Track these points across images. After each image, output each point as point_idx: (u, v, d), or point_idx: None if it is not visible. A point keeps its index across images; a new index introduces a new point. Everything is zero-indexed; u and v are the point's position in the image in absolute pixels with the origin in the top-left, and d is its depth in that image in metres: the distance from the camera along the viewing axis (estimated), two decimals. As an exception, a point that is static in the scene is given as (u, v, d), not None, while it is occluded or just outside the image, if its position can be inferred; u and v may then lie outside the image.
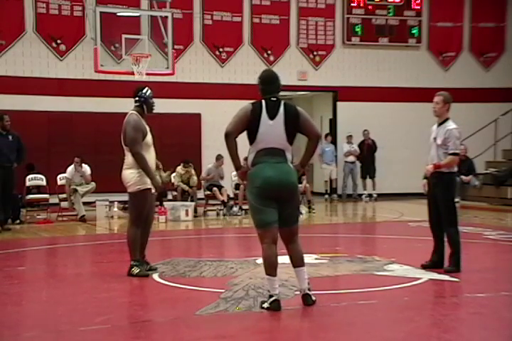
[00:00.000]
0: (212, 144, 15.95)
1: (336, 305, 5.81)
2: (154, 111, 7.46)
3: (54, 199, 13.86)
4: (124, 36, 13.85)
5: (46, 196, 13.91)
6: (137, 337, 5.03)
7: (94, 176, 13.73)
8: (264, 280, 5.71)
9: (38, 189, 14.19)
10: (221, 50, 17.57)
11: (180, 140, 16.48)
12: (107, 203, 13.91)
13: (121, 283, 6.87)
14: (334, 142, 18.22)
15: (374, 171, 17.80)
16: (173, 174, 14.31)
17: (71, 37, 16.19)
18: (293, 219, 5.65)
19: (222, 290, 6.25)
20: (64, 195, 13.66)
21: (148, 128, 7.26)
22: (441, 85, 16.86)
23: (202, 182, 14.57)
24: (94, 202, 14.04)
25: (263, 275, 5.65)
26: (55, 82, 16.06)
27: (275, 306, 5.49)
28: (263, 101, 5.59)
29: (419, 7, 18.85)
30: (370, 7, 18.51)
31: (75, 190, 13.36)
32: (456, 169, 7.40)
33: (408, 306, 5.79)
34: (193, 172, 14.44)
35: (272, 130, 5.52)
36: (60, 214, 13.64)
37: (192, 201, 14.14)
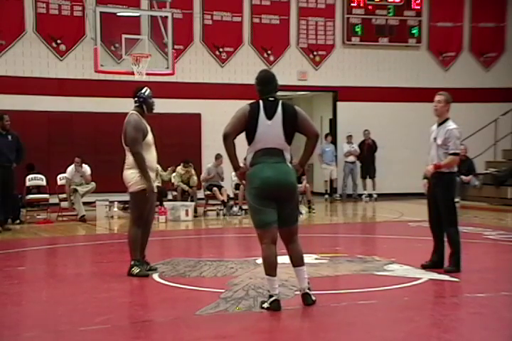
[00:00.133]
0: (212, 144, 15.93)
1: (336, 305, 5.81)
2: (154, 111, 7.47)
3: (54, 199, 13.86)
4: (124, 36, 13.86)
5: (46, 196, 13.91)
6: (137, 337, 5.03)
7: (94, 176, 13.73)
8: (264, 280, 5.71)
9: (38, 189, 14.19)
10: (221, 50, 17.57)
11: (180, 140, 16.49)
12: (107, 203, 13.91)
13: (121, 283, 6.87)
14: (334, 142, 18.22)
15: (374, 171, 17.80)
16: (173, 174, 14.30)
17: (71, 37, 16.19)
18: (292, 219, 5.65)
19: (222, 290, 6.25)
20: (64, 195, 13.66)
21: (149, 128, 7.27)
22: (441, 85, 16.87)
23: (202, 183, 14.56)
24: (94, 202, 14.04)
25: (263, 275, 5.65)
26: (55, 82, 16.07)
27: (275, 306, 5.49)
28: (261, 102, 5.59)
29: (419, 7, 18.85)
30: (370, 7, 18.51)
31: (75, 190, 13.36)
32: (456, 169, 7.40)
33: (408, 306, 5.79)
34: (193, 172, 14.44)
35: (270, 130, 5.52)
36: (60, 214, 13.64)
37: (192, 201, 14.14)
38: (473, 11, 19.32)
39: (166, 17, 14.26)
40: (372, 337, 4.91)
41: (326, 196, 17.90)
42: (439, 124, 7.35)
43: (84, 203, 13.56)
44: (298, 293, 5.81)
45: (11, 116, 12.26)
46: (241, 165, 5.70)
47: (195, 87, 17.15)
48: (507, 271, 7.61)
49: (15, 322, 5.51)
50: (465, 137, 14.13)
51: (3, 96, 15.36)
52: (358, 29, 18.52)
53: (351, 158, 17.82)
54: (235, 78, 17.43)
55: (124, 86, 13.81)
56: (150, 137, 7.23)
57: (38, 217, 13.73)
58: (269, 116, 5.53)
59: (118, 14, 14.66)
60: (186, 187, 14.24)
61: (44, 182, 14.02)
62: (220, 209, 14.31)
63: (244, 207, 13.24)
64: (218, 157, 13.96)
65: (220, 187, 14.23)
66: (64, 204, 13.71)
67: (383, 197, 17.63)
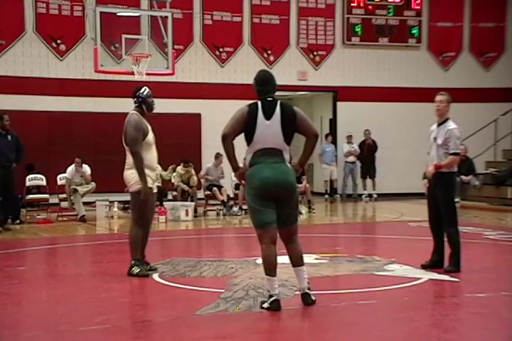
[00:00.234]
0: (212, 144, 15.90)
1: (336, 305, 5.81)
2: (154, 111, 7.47)
3: (54, 199, 13.86)
4: (124, 36, 13.86)
5: (46, 196, 13.91)
6: (137, 337, 5.03)
7: (94, 176, 13.73)
8: (264, 280, 5.71)
9: (38, 189, 14.19)
10: (221, 50, 17.57)
11: (180, 140, 16.48)
12: (107, 203, 13.91)
13: (121, 283, 6.87)
14: (334, 142, 18.22)
15: (374, 171, 17.80)
16: (174, 174, 14.30)
17: (71, 37, 16.19)
18: (292, 219, 5.65)
19: (222, 290, 6.25)
20: (64, 195, 13.65)
21: (149, 128, 7.28)
22: (441, 85, 16.88)
23: (202, 181, 14.57)
24: (94, 202, 14.04)
25: (263, 275, 5.65)
26: (55, 82, 16.07)
27: (275, 306, 5.49)
28: (259, 102, 5.59)
29: (419, 7, 18.85)
30: (370, 7, 18.51)
31: (75, 190, 13.36)
32: (456, 169, 7.40)
33: (408, 306, 5.79)
34: (193, 172, 14.44)
35: (269, 130, 5.52)
36: (60, 214, 13.64)
37: (192, 201, 14.14)
38: (473, 11, 19.32)
39: (166, 17, 14.26)
40: (372, 337, 4.91)
41: (326, 196, 17.90)
42: (439, 124, 7.35)
43: (84, 203, 13.56)
44: (298, 293, 5.81)
45: (10, 116, 12.26)
46: (240, 165, 5.70)
47: (195, 87, 17.15)
48: (507, 271, 7.61)
49: (15, 322, 5.51)
50: (465, 137, 14.14)
51: (3, 96, 15.36)
52: (358, 29, 18.52)
53: (351, 158, 17.82)
54: (235, 78, 17.43)
55: (124, 86, 13.80)
56: (151, 137, 7.23)
57: (38, 217, 13.73)
58: (268, 116, 5.53)
59: (118, 14, 14.66)
60: (186, 187, 14.24)
61: (44, 182, 14.02)
62: (220, 209, 14.31)
63: (244, 207, 13.24)
64: (218, 156, 13.96)
65: (220, 187, 14.24)
66: (64, 204, 13.71)
67: (383, 197, 17.63)
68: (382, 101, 18.62)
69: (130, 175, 7.15)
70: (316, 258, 8.03)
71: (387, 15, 18.63)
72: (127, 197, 7.54)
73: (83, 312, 5.67)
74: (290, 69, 18.07)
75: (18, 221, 12.81)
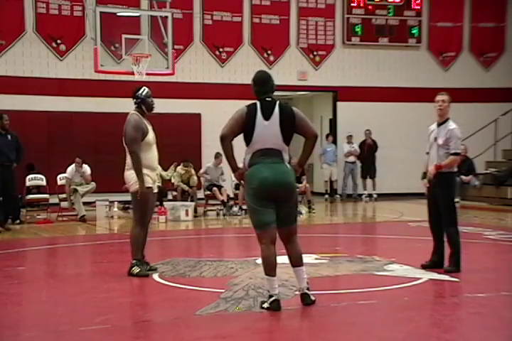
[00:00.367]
0: (212, 144, 15.87)
1: (336, 305, 5.81)
2: (154, 111, 7.47)
3: (54, 199, 13.86)
4: (124, 36, 13.86)
5: (46, 196, 13.91)
6: (137, 337, 5.03)
7: (94, 176, 13.73)
8: (264, 280, 5.71)
9: (38, 189, 14.19)
10: (221, 50, 17.57)
11: (180, 140, 16.47)
12: (107, 203, 13.91)
13: (121, 283, 6.87)
14: (334, 142, 18.21)
15: (374, 171, 17.80)
16: (174, 174, 14.30)
17: (71, 37, 16.19)
18: (291, 219, 5.65)
19: (222, 290, 6.25)
20: (64, 195, 13.65)
21: (150, 128, 7.28)
22: (441, 85, 16.89)
23: (202, 180, 14.57)
24: (94, 202, 14.04)
25: (263, 275, 5.65)
26: (55, 82, 16.07)
27: (275, 306, 5.49)
28: (258, 103, 5.60)
29: (419, 7, 18.85)
30: (370, 7, 18.51)
31: (75, 190, 13.36)
32: (456, 169, 7.40)
33: (408, 306, 5.79)
34: (193, 172, 14.44)
35: (268, 130, 5.52)
36: (60, 214, 13.63)
37: (192, 201, 14.14)
38: (473, 11, 19.32)
39: (166, 17, 14.26)
40: (372, 337, 4.91)
41: (326, 196, 17.90)
42: (440, 124, 7.35)
43: (84, 203, 13.56)
44: (298, 293, 5.81)
45: (10, 116, 12.27)
46: (240, 165, 5.70)
47: (195, 87, 17.15)
48: (507, 271, 7.61)
49: (15, 322, 5.51)
50: (465, 137, 14.11)
51: (3, 96, 15.36)
52: (358, 29, 18.52)
53: (351, 158, 17.83)
54: (235, 78, 17.43)
55: (124, 86, 13.80)
56: (151, 137, 7.24)
57: (38, 217, 13.73)
58: (267, 116, 5.53)
59: (118, 14, 14.66)
60: (186, 187, 14.25)
61: (44, 182, 14.02)
62: (220, 209, 14.31)
63: (244, 207, 13.23)
64: (218, 156, 13.95)
65: (220, 187, 14.24)
66: (64, 204, 13.71)
67: (383, 197, 17.63)
68: (382, 101, 18.62)
69: (130, 175, 7.16)
70: (316, 258, 8.04)
71: (387, 15, 18.63)
72: (127, 197, 7.55)
73: (83, 312, 5.67)
74: (290, 69, 18.07)
75: (18, 221, 12.80)
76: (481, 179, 16.33)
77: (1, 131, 11.97)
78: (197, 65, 17.41)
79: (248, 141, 5.58)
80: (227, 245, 11.09)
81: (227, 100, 16.22)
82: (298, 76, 18.28)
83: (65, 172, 13.67)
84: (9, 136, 12.03)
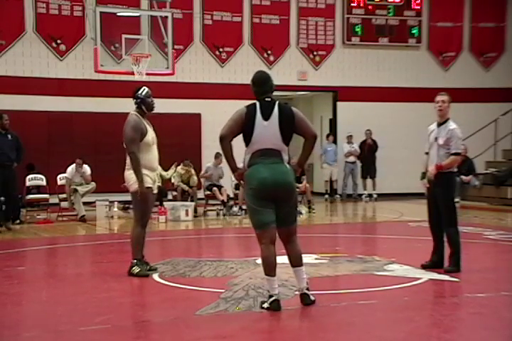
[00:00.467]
0: (212, 144, 15.87)
1: (336, 305, 5.81)
2: (154, 111, 7.47)
3: (54, 199, 13.86)
4: (124, 36, 13.86)
5: (46, 196, 13.90)
6: (137, 337, 5.03)
7: (94, 176, 13.73)
8: (264, 280, 5.71)
9: (38, 189, 14.19)
10: (221, 50, 17.57)
11: (180, 140, 16.47)
12: (107, 203, 13.91)
13: (121, 283, 6.87)
14: (334, 142, 18.21)
15: (375, 171, 17.80)
16: (174, 174, 14.30)
17: (71, 37, 16.20)
18: (291, 219, 5.65)
19: (222, 290, 6.25)
20: (64, 195, 13.65)
21: (150, 128, 7.29)
22: (441, 85, 16.89)
23: (202, 180, 14.57)
24: (94, 202, 14.04)
25: (263, 275, 5.64)
26: (55, 82, 16.07)
27: (275, 306, 5.49)
28: (257, 103, 5.60)
29: (419, 7, 18.85)
30: (370, 7, 18.52)
31: (76, 190, 13.36)
32: (456, 169, 7.40)
33: (408, 306, 5.79)
34: (193, 172, 14.44)
35: (267, 131, 5.52)
36: (60, 214, 13.63)
37: (192, 201, 14.14)
38: (473, 11, 19.32)
39: (166, 17, 14.27)
40: (372, 337, 4.91)
41: (326, 196, 17.90)
42: (440, 124, 7.34)
43: (84, 203, 13.56)
44: (298, 293, 5.81)
45: (11, 116, 12.27)
46: (240, 166, 5.70)
47: (195, 87, 17.15)
48: (507, 271, 7.61)
49: (15, 322, 5.51)
50: (465, 137, 14.08)
51: (3, 96, 15.36)
52: (358, 29, 18.52)
53: (351, 158, 17.83)
54: (235, 78, 17.43)
55: (124, 86, 13.80)
56: (150, 137, 7.23)
57: (38, 217, 13.73)
58: (266, 116, 5.53)
59: (118, 14, 14.67)
60: (186, 187, 14.25)
61: (44, 182, 14.02)
62: (220, 209, 14.31)
63: (244, 207, 13.23)
64: (218, 156, 13.95)
65: (220, 187, 14.23)
66: (64, 204, 13.71)
67: (383, 197, 17.63)
68: (382, 101, 18.62)
69: (130, 175, 7.17)
70: (316, 258, 8.03)
71: (387, 15, 18.64)
72: (127, 197, 7.55)
73: (83, 312, 5.66)
74: (290, 69, 18.08)
75: (18, 221, 12.80)
76: (481, 179, 16.33)
77: (1, 130, 11.96)
78: (197, 65, 17.41)
79: (247, 141, 5.58)
80: (227, 245, 11.09)
81: (227, 100, 16.22)
82: (298, 76, 18.28)
83: (65, 172, 13.67)
84: (9, 136, 12.03)
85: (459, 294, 6.50)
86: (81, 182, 13.56)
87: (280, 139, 5.55)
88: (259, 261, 6.74)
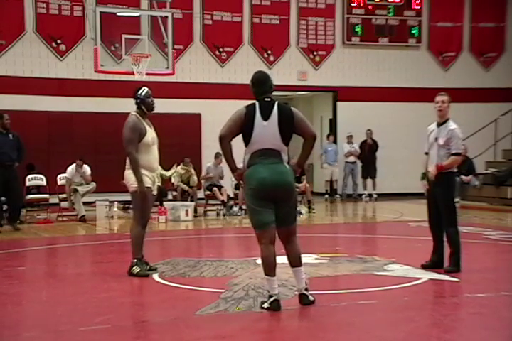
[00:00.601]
0: (212, 144, 15.78)
1: (336, 305, 5.81)
2: (154, 111, 7.47)
3: (54, 199, 13.85)
4: (124, 36, 13.87)
5: (46, 196, 13.90)
6: (137, 337, 5.03)
7: (94, 176, 13.72)
8: (264, 280, 5.71)
9: (38, 189, 14.17)
10: (221, 50, 17.57)
11: (180, 140, 16.46)
12: (107, 203, 13.92)
13: (121, 283, 6.87)
14: (335, 142, 18.20)
15: (375, 171, 17.79)
16: (174, 174, 14.29)
17: (71, 37, 16.20)
18: (290, 219, 5.65)
19: (222, 290, 6.25)
20: (64, 195, 13.65)
21: (150, 129, 7.29)
22: (441, 85, 16.89)
23: (202, 181, 14.57)
24: (94, 202, 14.04)
25: (263, 275, 5.64)
26: (55, 82, 16.07)
27: (275, 306, 5.49)
28: (257, 103, 5.59)
29: (419, 7, 18.86)
30: (370, 7, 18.52)
31: (76, 190, 13.36)
32: (456, 169, 7.39)
33: (408, 306, 5.79)
34: (192, 171, 14.44)
35: (266, 131, 5.52)
36: (60, 214, 13.63)
37: (192, 201, 14.14)
38: (473, 11, 19.32)
39: (166, 17, 14.27)
40: (372, 337, 4.91)
41: (326, 196, 17.89)
42: (440, 124, 7.34)
43: (84, 203, 13.56)
44: (297, 293, 5.81)
45: (11, 116, 12.25)
46: (239, 166, 5.70)
47: (195, 87, 17.15)
48: (507, 271, 7.61)
49: (15, 322, 5.50)
50: (465, 137, 14.08)
51: (3, 96, 15.36)
52: (358, 29, 18.52)
53: (352, 158, 17.83)
54: (235, 78, 17.42)
55: (124, 86, 13.81)
56: (149, 138, 7.23)
57: (38, 217, 13.73)
58: (265, 117, 5.53)
59: (118, 14, 14.67)
60: (186, 187, 14.25)
61: (44, 182, 14.01)
62: (220, 209, 14.31)
63: (244, 207, 13.23)
64: (218, 156, 13.94)
65: (220, 187, 14.23)
66: (64, 204, 13.71)
67: (383, 197, 17.63)
68: (382, 101, 18.63)
69: (129, 175, 7.18)
70: (316, 258, 8.04)
71: (387, 15, 18.64)
72: (127, 197, 7.55)
73: (83, 312, 5.66)
74: (290, 69, 18.08)
75: (18, 221, 12.77)
76: (481, 179, 16.33)
77: (2, 130, 11.95)
78: (197, 64, 17.41)
79: (247, 141, 5.58)
80: (227, 245, 11.09)
81: (227, 100, 16.21)
82: (298, 76, 18.28)
83: (65, 172, 13.67)
84: (11, 136, 12.01)
85: (459, 294, 6.50)
86: (81, 182, 13.56)
87: (279, 139, 5.55)
88: (259, 261, 6.74)
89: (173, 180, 14.32)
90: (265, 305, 5.53)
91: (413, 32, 18.93)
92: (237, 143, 5.64)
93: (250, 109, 5.56)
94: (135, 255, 7.21)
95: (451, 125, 7.27)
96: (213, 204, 14.56)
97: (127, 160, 7.23)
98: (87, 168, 13.65)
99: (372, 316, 5.45)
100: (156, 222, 12.62)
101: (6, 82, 15.62)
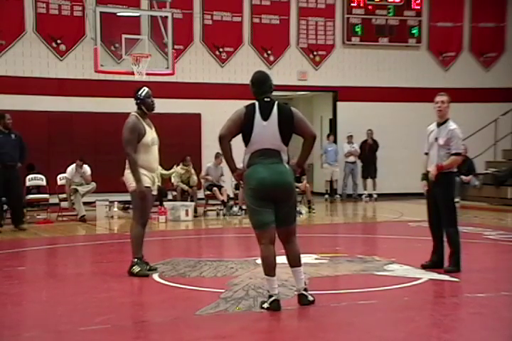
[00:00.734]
0: (212, 144, 15.74)
1: (336, 305, 5.81)
2: (155, 111, 7.47)
3: (54, 199, 13.85)
4: (124, 36, 13.87)
5: (46, 196, 13.89)
6: (137, 337, 5.04)
7: (94, 176, 13.72)
8: (264, 280, 5.71)
9: (38, 189, 14.17)
10: (221, 50, 17.58)
11: (180, 140, 16.46)
12: (107, 203, 13.91)
13: (121, 283, 6.87)
14: (335, 142, 18.21)
15: (375, 171, 17.80)
16: (173, 174, 14.29)
17: (71, 37, 16.20)
18: (290, 219, 5.64)
19: (222, 290, 6.25)
20: (64, 195, 13.65)
21: (151, 129, 7.28)
22: (441, 85, 16.90)
23: (202, 181, 14.57)
24: (94, 202, 14.04)
25: (263, 275, 5.64)
26: (55, 82, 16.07)
27: (275, 306, 5.49)
28: (256, 103, 5.59)
29: (419, 7, 18.86)
30: (370, 7, 18.52)
31: (76, 190, 13.36)
32: (456, 169, 7.39)
33: (408, 306, 5.79)
34: (192, 171, 14.44)
35: (266, 131, 5.52)
36: (60, 214, 13.63)
37: (192, 201, 14.13)
38: (473, 11, 19.32)
39: (166, 17, 14.27)
40: (372, 337, 4.91)
41: (326, 196, 17.89)
42: (440, 124, 7.34)
43: (84, 203, 13.56)
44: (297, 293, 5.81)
45: (11, 116, 12.24)
46: (239, 166, 5.70)
47: (195, 87, 17.15)
48: (507, 271, 7.61)
49: (15, 322, 5.50)
50: (465, 137, 14.09)
51: (3, 96, 15.37)
52: (358, 29, 18.53)
53: (352, 158, 17.83)
54: (235, 78, 17.42)
55: (124, 86, 13.81)
56: (150, 138, 7.23)
57: (38, 217, 13.73)
58: (265, 117, 5.53)
59: (118, 14, 14.67)
60: (186, 187, 14.24)
61: (44, 182, 14.01)
62: (220, 209, 14.31)
63: (244, 207, 13.23)
64: (218, 156, 13.94)
65: (220, 187, 14.23)
66: (64, 204, 13.71)
67: (383, 197, 17.63)
68: (382, 101, 18.63)
69: (129, 174, 7.18)
70: (316, 258, 8.04)
71: (387, 15, 18.64)
72: (127, 197, 7.55)
73: (83, 312, 5.66)
74: (290, 69, 18.07)
75: (23, 221, 12.75)
76: (481, 179, 16.33)
77: (4, 130, 11.94)
78: (197, 64, 17.41)
79: (247, 141, 5.58)
80: (227, 245, 11.09)
81: (227, 100, 16.21)
82: (298, 76, 18.28)
83: (65, 172, 13.67)
84: (13, 136, 12.00)
85: (459, 294, 6.50)
86: (81, 182, 13.56)
87: (279, 139, 5.55)
88: (259, 261, 6.74)
89: (172, 180, 14.32)
90: (265, 305, 5.53)
91: (413, 32, 18.93)
92: (237, 143, 5.64)
93: (250, 109, 5.56)
94: (135, 255, 7.21)
95: (451, 125, 7.27)
96: (213, 204, 14.56)
97: (127, 161, 7.23)
98: (87, 168, 13.65)
99: (372, 316, 5.45)
100: (156, 221, 12.63)
101: (6, 82, 15.62)
